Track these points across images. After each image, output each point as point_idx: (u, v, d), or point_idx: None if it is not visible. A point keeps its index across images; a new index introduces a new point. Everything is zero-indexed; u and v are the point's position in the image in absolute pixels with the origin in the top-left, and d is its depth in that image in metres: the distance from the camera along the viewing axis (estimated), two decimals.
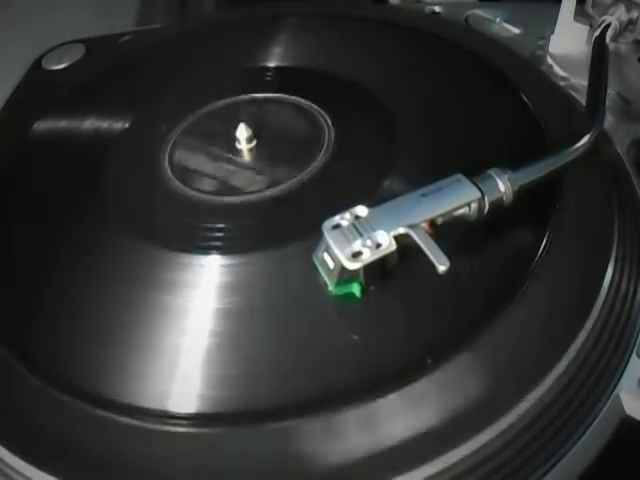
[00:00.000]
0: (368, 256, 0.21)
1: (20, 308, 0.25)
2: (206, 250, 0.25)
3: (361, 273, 0.22)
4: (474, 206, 0.23)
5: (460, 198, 0.23)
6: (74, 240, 0.27)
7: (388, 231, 0.22)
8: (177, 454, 0.20)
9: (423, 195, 0.22)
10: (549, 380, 0.21)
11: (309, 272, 0.23)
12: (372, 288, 0.23)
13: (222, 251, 0.25)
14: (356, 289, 0.22)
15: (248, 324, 0.23)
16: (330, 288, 0.23)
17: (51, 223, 0.28)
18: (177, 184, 0.28)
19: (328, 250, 0.22)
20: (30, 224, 0.29)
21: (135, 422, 0.21)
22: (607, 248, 0.24)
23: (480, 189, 0.23)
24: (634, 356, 0.23)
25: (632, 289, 0.24)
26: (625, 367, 0.23)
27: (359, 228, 0.22)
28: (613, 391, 0.22)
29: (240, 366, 0.22)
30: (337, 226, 0.22)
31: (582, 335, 0.22)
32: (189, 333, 0.23)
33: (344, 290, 0.22)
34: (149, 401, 0.21)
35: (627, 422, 0.22)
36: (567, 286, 0.23)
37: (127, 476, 0.20)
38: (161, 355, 0.23)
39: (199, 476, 0.20)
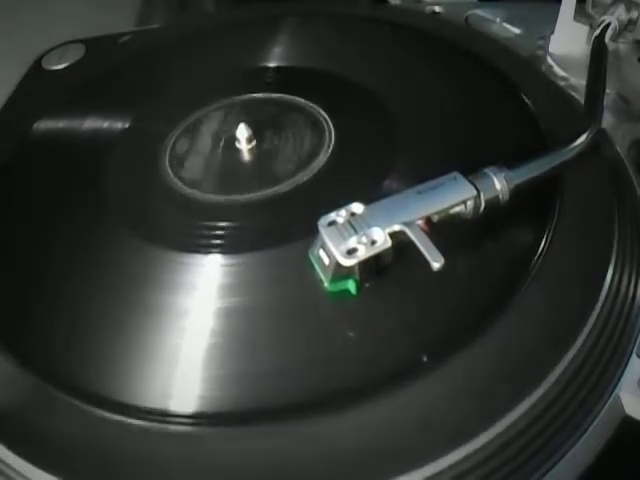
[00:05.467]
0: (363, 253, 0.21)
1: (19, 308, 0.25)
2: (206, 250, 0.25)
3: (356, 270, 0.22)
4: (470, 204, 0.23)
5: (456, 196, 0.23)
6: (74, 240, 0.27)
7: (383, 228, 0.22)
8: (177, 454, 0.20)
9: (419, 192, 0.22)
10: (549, 380, 0.21)
11: (309, 272, 0.23)
12: (367, 285, 0.23)
13: (222, 251, 0.25)
14: (351, 286, 0.22)
15: (248, 324, 0.23)
16: (325, 285, 0.23)
17: (51, 223, 0.28)
18: (177, 184, 0.28)
19: (323, 247, 0.22)
20: (30, 224, 0.29)
21: (135, 422, 0.21)
22: (607, 248, 0.24)
23: (476, 187, 0.23)
24: (634, 356, 0.23)
25: (632, 289, 0.24)
26: (625, 367, 0.22)
27: (354, 225, 0.22)
28: (613, 391, 0.22)
29: (240, 366, 0.22)
30: (333, 223, 0.22)
31: (582, 335, 0.22)
32: (189, 333, 0.23)
33: (339, 287, 0.23)
34: (149, 401, 0.21)
35: (627, 422, 0.22)
36: (567, 286, 0.23)
37: (127, 476, 0.20)
38: (161, 355, 0.23)
39: (199, 476, 0.20)
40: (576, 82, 0.32)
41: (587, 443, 0.21)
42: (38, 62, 0.38)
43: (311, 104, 0.31)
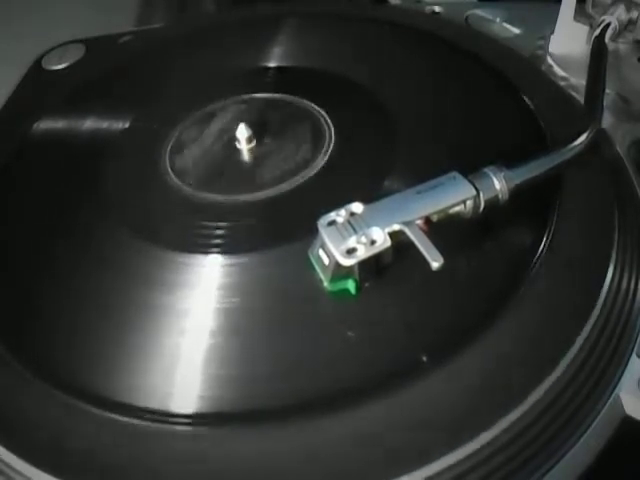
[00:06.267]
0: (363, 252, 0.21)
1: (20, 308, 0.25)
2: (206, 250, 0.25)
3: (356, 269, 0.22)
4: (469, 204, 0.23)
5: (455, 196, 0.23)
6: (74, 240, 0.27)
7: (383, 228, 0.22)
8: (177, 454, 0.20)
9: (418, 192, 0.22)
10: (549, 380, 0.21)
11: (309, 272, 0.23)
12: (367, 285, 0.23)
13: (222, 251, 0.25)
14: (351, 285, 0.22)
15: (248, 324, 0.23)
16: (325, 284, 0.23)
17: (51, 223, 0.28)
18: (177, 184, 0.28)
19: (323, 246, 0.22)
20: (30, 224, 0.29)
21: (135, 422, 0.21)
22: (607, 248, 0.24)
23: (475, 187, 0.23)
24: (634, 356, 0.23)
25: (632, 289, 0.24)
26: (625, 367, 0.22)
27: (354, 225, 0.22)
28: (613, 391, 0.22)
29: (240, 366, 0.22)
30: (332, 222, 0.22)
31: (582, 335, 0.22)
32: (189, 333, 0.23)
33: (339, 286, 0.23)
34: (149, 401, 0.21)
35: (627, 422, 0.22)
36: (567, 286, 0.23)
37: (127, 476, 0.20)
38: (161, 355, 0.23)
39: (199, 476, 0.20)
40: (576, 82, 0.32)
41: (587, 443, 0.21)
42: (38, 62, 0.38)
43: (311, 104, 0.31)
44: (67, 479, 0.20)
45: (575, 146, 0.25)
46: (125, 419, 0.21)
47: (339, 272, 0.22)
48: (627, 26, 0.31)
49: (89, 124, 0.33)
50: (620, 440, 0.21)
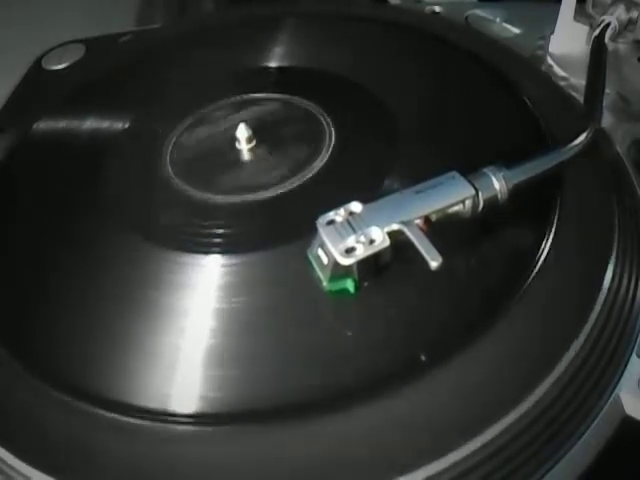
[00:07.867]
0: (362, 252, 0.21)
1: (20, 308, 0.25)
2: (206, 250, 0.25)
3: (355, 269, 0.22)
4: (468, 203, 0.23)
5: (454, 195, 0.23)
6: (74, 240, 0.27)
7: (382, 227, 0.22)
8: (177, 454, 0.20)
9: (417, 192, 0.22)
10: (549, 380, 0.21)
11: (309, 271, 0.23)
12: (366, 284, 0.23)
13: (222, 251, 0.25)
14: (350, 285, 0.22)
15: (248, 324, 0.23)
16: (324, 284, 0.23)
17: (51, 223, 0.28)
18: (177, 184, 0.28)
19: (322, 246, 0.22)
20: (30, 224, 0.29)
21: (134, 422, 0.21)
22: (607, 248, 0.24)
23: (474, 186, 0.23)
24: (634, 356, 0.23)
25: (632, 289, 0.24)
26: (625, 367, 0.22)
27: (353, 224, 0.22)
28: (613, 391, 0.22)
29: (241, 366, 0.22)
30: (331, 222, 0.22)
31: (582, 335, 0.22)
32: (189, 333, 0.23)
33: (338, 286, 0.22)
34: (149, 401, 0.21)
35: (627, 422, 0.22)
36: (567, 286, 0.23)
37: (126, 476, 0.20)
38: (161, 355, 0.23)
39: (199, 476, 0.20)
40: (576, 82, 0.32)
41: (587, 443, 0.21)
42: (38, 62, 0.38)
43: (311, 104, 0.31)
44: (65, 479, 0.20)
45: (574, 146, 0.25)
46: (124, 419, 0.21)
47: (338, 271, 0.22)
48: (627, 26, 0.31)
49: (89, 124, 0.33)
50: (620, 440, 0.21)
